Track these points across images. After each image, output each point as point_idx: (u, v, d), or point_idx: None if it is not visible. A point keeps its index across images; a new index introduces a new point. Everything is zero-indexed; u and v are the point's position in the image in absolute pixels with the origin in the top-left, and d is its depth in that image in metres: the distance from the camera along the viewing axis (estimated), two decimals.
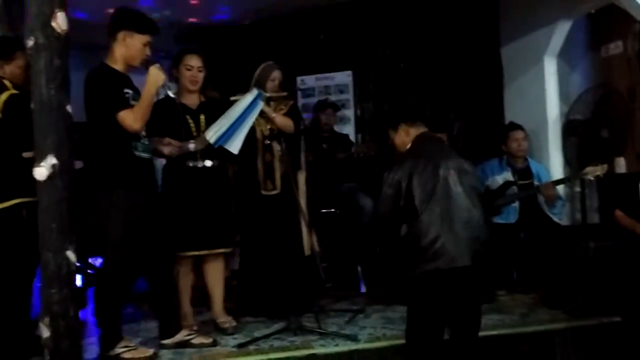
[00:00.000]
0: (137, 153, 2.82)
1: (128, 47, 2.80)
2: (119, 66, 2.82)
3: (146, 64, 2.82)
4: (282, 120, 3.50)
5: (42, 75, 2.34)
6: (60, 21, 2.34)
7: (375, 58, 4.99)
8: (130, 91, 2.82)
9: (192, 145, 3.14)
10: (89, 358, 2.78)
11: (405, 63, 4.95)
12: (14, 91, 2.84)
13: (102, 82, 2.75)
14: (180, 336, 2.97)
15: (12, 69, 2.92)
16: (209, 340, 3.00)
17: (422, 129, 2.71)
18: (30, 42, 2.35)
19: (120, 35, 2.79)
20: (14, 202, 2.79)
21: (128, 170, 2.78)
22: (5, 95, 2.80)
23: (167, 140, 3.10)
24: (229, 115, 3.22)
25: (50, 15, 2.33)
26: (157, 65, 2.82)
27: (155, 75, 2.79)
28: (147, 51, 2.84)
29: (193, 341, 2.97)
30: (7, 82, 2.87)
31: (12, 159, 2.80)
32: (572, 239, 3.78)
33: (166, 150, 3.10)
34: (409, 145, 2.69)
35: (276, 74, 3.57)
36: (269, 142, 3.50)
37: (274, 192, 3.52)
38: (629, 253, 3.40)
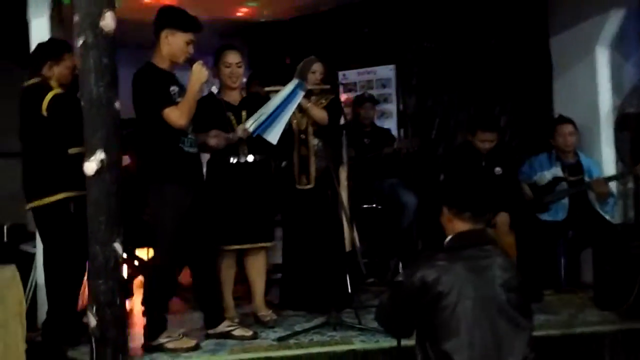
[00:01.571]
0: (184, 148, 2.90)
1: (171, 45, 2.86)
2: (164, 64, 2.90)
3: (190, 62, 2.89)
4: (316, 112, 3.48)
5: (91, 74, 2.43)
6: (108, 21, 2.42)
7: (419, 51, 4.92)
8: (176, 88, 2.89)
9: (236, 135, 3.17)
10: (134, 346, 2.86)
11: (451, 56, 4.85)
12: (58, 91, 2.96)
13: (147, 81, 2.84)
14: (222, 327, 3.03)
15: (60, 69, 3.03)
16: (249, 333, 3.05)
17: (469, 224, 2.02)
18: (79, 42, 2.44)
19: (164, 33, 2.86)
20: (60, 197, 2.91)
21: (177, 165, 2.86)
22: (50, 95, 2.92)
23: (214, 132, 3.16)
24: (268, 105, 3.24)
25: (99, 15, 2.40)
26: (201, 62, 2.87)
27: (198, 72, 2.84)
28: (191, 49, 2.90)
29: (234, 333, 3.03)
30: (52, 83, 2.99)
31: (58, 156, 2.92)
32: (624, 237, 3.63)
33: (213, 142, 3.16)
34: (448, 239, 2.05)
35: (317, 67, 3.57)
36: (304, 136, 3.49)
37: (308, 187, 3.52)
38: None
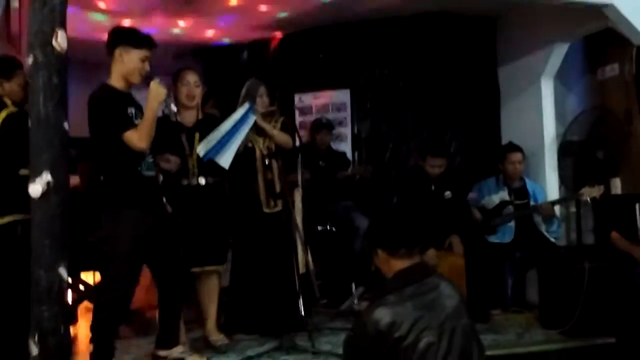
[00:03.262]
0: (142, 172, 2.83)
1: (125, 64, 2.81)
2: (119, 85, 2.83)
3: (146, 80, 2.84)
4: (282, 137, 3.51)
5: (40, 93, 2.36)
6: (60, 40, 2.37)
7: (373, 77, 5.03)
8: (133, 109, 2.84)
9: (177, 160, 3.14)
10: None
11: (404, 82, 4.99)
12: (13, 109, 2.88)
13: (104, 104, 2.76)
14: (176, 352, 2.95)
15: (11, 86, 2.95)
16: (203, 359, 2.99)
17: (406, 261, 1.99)
18: (29, 60, 2.38)
19: (117, 52, 2.81)
20: (8, 219, 2.80)
21: (134, 189, 2.79)
22: (3, 114, 2.84)
23: (166, 156, 3.12)
24: (219, 129, 3.24)
25: (51, 34, 2.35)
26: (157, 80, 2.83)
27: (156, 90, 2.80)
28: (146, 66, 2.84)
29: (187, 358, 2.96)
30: (6, 100, 2.90)
31: (8, 177, 2.82)
32: (567, 259, 3.77)
33: (166, 166, 3.12)
34: (390, 279, 2.02)
35: (263, 90, 3.59)
36: (268, 161, 3.51)
37: (276, 210, 3.53)
38: (624, 274, 3.40)
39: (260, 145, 3.55)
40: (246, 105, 3.35)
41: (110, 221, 2.76)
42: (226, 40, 5.34)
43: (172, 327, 2.96)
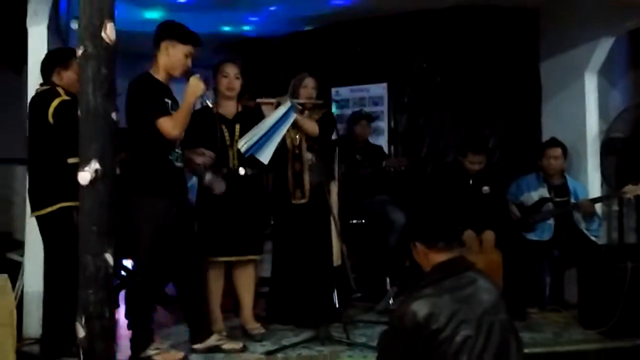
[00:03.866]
0: (174, 162, 2.90)
1: (170, 57, 2.90)
2: (160, 76, 2.92)
3: (187, 74, 2.91)
4: (306, 124, 3.52)
5: (90, 84, 2.42)
6: (109, 32, 2.43)
7: (411, 71, 4.99)
8: (169, 101, 2.91)
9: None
10: (121, 359, 2.84)
11: (442, 76, 4.93)
12: (66, 97, 2.96)
13: (143, 90, 2.85)
14: (212, 341, 3.02)
15: (69, 75, 3.03)
16: (239, 346, 3.05)
17: (444, 254, 2.00)
18: (79, 52, 2.44)
19: (164, 45, 2.90)
20: (60, 206, 2.89)
21: (161, 178, 2.86)
22: (56, 102, 2.92)
23: (201, 150, 3.17)
24: (261, 125, 3.29)
25: (100, 26, 2.41)
26: (197, 75, 2.90)
27: (195, 85, 2.87)
28: (189, 62, 2.93)
29: (224, 346, 3.02)
30: (60, 90, 2.99)
31: (59, 165, 2.91)
32: (608, 258, 3.70)
33: (199, 159, 3.17)
34: (428, 271, 2.03)
35: (309, 81, 3.62)
36: (298, 151, 3.53)
37: (302, 201, 3.55)
38: None
39: (290, 136, 3.56)
40: (288, 103, 3.38)
41: (137, 208, 2.84)
42: (264, 34, 5.37)
43: (201, 320, 3.02)
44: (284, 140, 3.48)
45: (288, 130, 3.50)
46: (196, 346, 3.02)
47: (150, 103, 2.83)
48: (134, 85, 2.88)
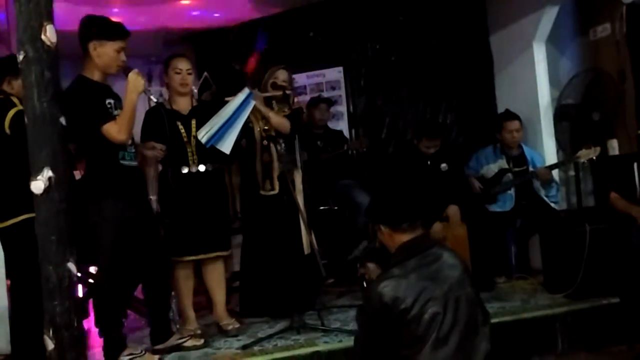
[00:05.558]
0: (124, 162, 2.82)
1: (101, 57, 2.74)
2: (96, 76, 2.77)
3: (124, 70, 2.78)
4: (278, 120, 3.48)
5: (34, 89, 2.35)
6: (49, 34, 2.35)
7: (365, 52, 5.00)
8: (112, 100, 2.80)
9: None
10: None
11: (396, 56, 4.96)
12: (21, 107, 2.84)
13: (81, 96, 2.70)
14: (172, 340, 2.99)
15: (20, 84, 2.90)
16: (200, 342, 3.03)
17: (409, 234, 2.04)
18: (20, 56, 2.36)
19: (91, 45, 2.73)
20: (23, 218, 2.78)
21: (115, 180, 2.77)
22: (12, 112, 2.79)
23: (151, 144, 3.08)
24: (220, 115, 3.22)
25: (40, 29, 2.33)
26: (135, 70, 2.77)
27: (134, 81, 2.74)
28: (122, 57, 2.78)
29: (186, 344, 2.99)
30: (14, 99, 2.85)
31: (20, 175, 2.79)
32: (568, 223, 3.80)
33: (149, 153, 3.08)
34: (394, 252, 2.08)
35: (279, 74, 3.60)
36: (266, 143, 3.50)
37: (272, 193, 3.53)
38: (625, 235, 3.44)
39: (259, 128, 3.53)
40: (246, 91, 3.33)
41: (94, 213, 2.76)
42: (215, 24, 5.28)
43: (163, 321, 3.00)
44: (252, 131, 3.44)
45: (256, 122, 3.46)
46: (158, 347, 2.97)
47: (91, 109, 2.69)
48: (70, 92, 2.70)
